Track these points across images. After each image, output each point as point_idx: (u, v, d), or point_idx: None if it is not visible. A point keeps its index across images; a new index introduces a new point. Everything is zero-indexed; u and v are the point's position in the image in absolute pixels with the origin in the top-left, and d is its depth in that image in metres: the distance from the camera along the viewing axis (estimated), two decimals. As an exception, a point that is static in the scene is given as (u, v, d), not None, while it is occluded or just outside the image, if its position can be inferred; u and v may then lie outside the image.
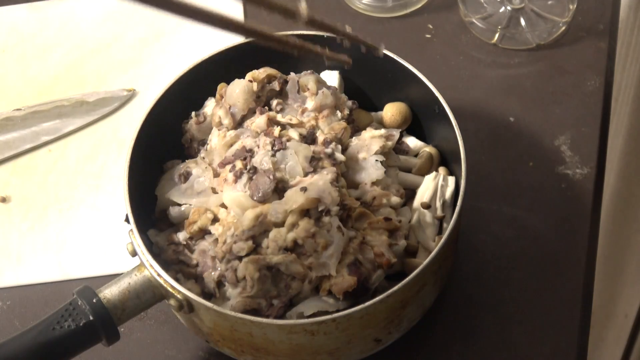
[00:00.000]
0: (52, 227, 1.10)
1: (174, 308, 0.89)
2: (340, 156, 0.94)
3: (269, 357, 0.91)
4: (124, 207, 0.92)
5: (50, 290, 1.05)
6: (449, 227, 0.89)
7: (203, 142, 1.01)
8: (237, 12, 1.27)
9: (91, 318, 0.86)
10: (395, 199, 0.94)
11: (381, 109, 1.05)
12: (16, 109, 1.20)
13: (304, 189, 0.90)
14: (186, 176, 0.97)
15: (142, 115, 0.98)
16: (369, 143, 0.97)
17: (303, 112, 0.99)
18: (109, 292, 0.88)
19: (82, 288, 0.88)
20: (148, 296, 0.89)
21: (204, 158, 0.98)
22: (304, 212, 0.90)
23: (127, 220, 0.91)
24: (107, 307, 0.87)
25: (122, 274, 0.90)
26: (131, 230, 0.90)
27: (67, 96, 1.21)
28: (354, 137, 0.98)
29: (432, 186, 0.97)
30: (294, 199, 0.90)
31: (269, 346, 0.89)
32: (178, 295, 0.87)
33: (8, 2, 1.33)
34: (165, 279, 0.88)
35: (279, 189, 0.92)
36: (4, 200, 1.13)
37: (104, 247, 1.08)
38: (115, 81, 1.23)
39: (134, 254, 0.91)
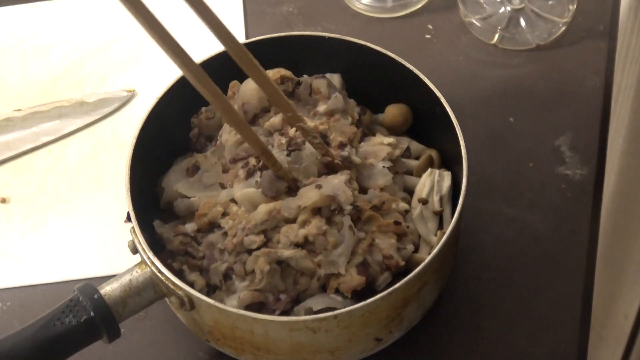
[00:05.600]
0: (52, 227, 1.10)
1: (174, 305, 0.89)
2: (356, 159, 0.95)
3: (269, 356, 0.91)
4: (125, 205, 0.92)
5: (50, 291, 1.05)
6: (449, 228, 0.89)
7: (210, 138, 1.01)
8: (237, 12, 1.27)
9: (92, 314, 0.86)
10: (403, 205, 0.95)
11: (382, 110, 1.06)
12: (16, 110, 1.20)
13: (319, 186, 0.90)
14: (194, 170, 0.98)
15: (143, 116, 0.98)
16: (377, 149, 0.97)
17: (314, 114, 0.99)
18: (110, 289, 0.88)
19: (84, 284, 0.88)
20: (149, 293, 0.89)
21: (213, 153, 0.99)
22: (316, 210, 0.90)
23: (128, 218, 0.91)
24: (108, 303, 0.87)
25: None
26: (132, 227, 0.90)
27: (67, 96, 1.21)
28: (362, 143, 0.99)
29: (428, 182, 0.98)
30: (308, 195, 0.90)
31: (270, 345, 0.89)
32: (179, 292, 0.87)
33: (8, 2, 1.33)
34: (167, 276, 0.88)
35: (291, 188, 0.92)
36: (4, 200, 1.13)
37: (104, 248, 1.08)
38: (115, 81, 1.23)
39: (135, 251, 0.91)
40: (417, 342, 0.98)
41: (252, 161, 0.94)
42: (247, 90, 0.99)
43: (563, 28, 1.21)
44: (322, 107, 1.00)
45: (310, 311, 0.89)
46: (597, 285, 1.03)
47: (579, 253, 1.04)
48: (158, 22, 0.76)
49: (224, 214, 0.94)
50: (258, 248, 0.90)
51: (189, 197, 0.97)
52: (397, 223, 0.93)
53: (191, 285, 0.90)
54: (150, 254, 0.88)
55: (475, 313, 1.01)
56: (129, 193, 0.93)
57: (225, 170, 0.97)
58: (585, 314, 1.00)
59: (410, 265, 0.92)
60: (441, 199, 0.97)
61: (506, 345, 0.99)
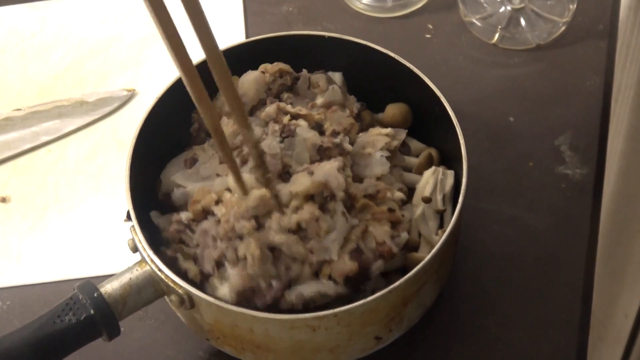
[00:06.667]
0: (52, 227, 1.10)
1: (174, 304, 0.89)
2: (348, 146, 0.95)
3: (269, 354, 0.91)
4: (124, 206, 0.92)
5: (50, 290, 1.05)
6: (449, 227, 0.89)
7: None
8: (237, 12, 1.27)
9: (92, 312, 0.86)
10: (398, 194, 0.95)
11: (382, 109, 1.06)
12: (16, 109, 1.20)
13: (311, 173, 0.90)
14: (192, 162, 0.98)
15: (143, 115, 0.98)
16: (375, 139, 0.97)
17: (312, 107, 1.00)
18: (110, 287, 0.88)
19: (83, 283, 0.88)
20: (149, 292, 0.89)
21: (211, 145, 0.99)
22: (309, 196, 0.90)
23: (128, 217, 0.91)
24: (108, 301, 0.87)
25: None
26: (132, 226, 0.90)
27: (67, 96, 1.21)
28: (360, 134, 0.99)
29: (431, 180, 0.98)
30: (300, 181, 0.90)
31: (270, 343, 0.89)
32: (179, 290, 0.87)
33: (8, 2, 1.33)
34: (167, 274, 0.88)
35: (284, 175, 0.92)
36: (4, 200, 1.13)
37: (104, 247, 1.08)
38: (115, 81, 1.23)
39: (135, 249, 0.91)
40: (417, 341, 0.98)
41: (246, 148, 0.94)
42: (245, 82, 0.99)
43: (563, 28, 1.21)
44: (320, 100, 1.00)
45: (300, 296, 0.88)
46: (597, 285, 1.03)
47: (579, 253, 1.04)
48: (167, 13, 0.76)
49: (218, 202, 0.93)
50: (250, 234, 0.90)
51: (185, 187, 0.97)
52: (391, 210, 0.92)
53: (184, 272, 0.90)
54: (150, 253, 0.88)
55: (475, 312, 1.01)
56: (129, 192, 0.93)
57: (222, 162, 0.96)
58: (585, 314, 1.00)
59: (410, 264, 0.92)
60: (444, 197, 0.97)
61: (506, 345, 0.99)
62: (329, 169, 0.91)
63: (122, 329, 0.89)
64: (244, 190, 0.90)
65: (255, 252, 0.88)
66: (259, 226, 0.90)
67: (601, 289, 1.03)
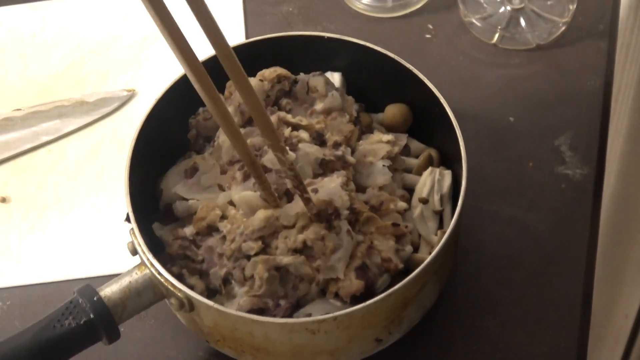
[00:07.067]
0: (52, 227, 1.10)
1: (174, 307, 0.89)
2: (350, 158, 0.95)
3: (269, 357, 0.91)
4: (124, 206, 0.92)
5: (50, 290, 1.05)
6: (450, 227, 0.89)
7: (209, 139, 1.01)
8: (237, 12, 1.27)
9: (92, 316, 0.86)
10: (402, 204, 0.95)
11: (382, 110, 1.05)
12: (16, 109, 1.20)
13: (315, 191, 0.90)
14: (192, 171, 0.98)
15: (143, 115, 0.98)
16: (376, 147, 0.97)
17: (311, 113, 0.99)
18: (110, 291, 0.88)
19: (83, 286, 0.88)
20: (149, 295, 0.89)
21: (211, 154, 0.99)
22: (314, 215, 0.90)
23: (127, 219, 0.91)
24: (107, 305, 0.87)
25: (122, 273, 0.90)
26: (132, 229, 0.90)
27: (67, 96, 1.21)
28: (361, 141, 0.99)
29: (429, 181, 0.98)
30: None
31: (270, 346, 0.89)
32: (178, 294, 0.87)
33: (8, 2, 1.33)
34: (166, 278, 0.88)
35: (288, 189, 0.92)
36: (4, 200, 1.13)
37: (104, 247, 1.08)
38: (115, 81, 1.23)
39: (134, 252, 0.91)
40: (418, 343, 0.98)
41: None
42: None
43: (563, 28, 1.21)
44: (319, 106, 1.00)
45: (309, 317, 0.88)
46: (597, 285, 1.03)
47: (579, 253, 1.04)
48: (168, 13, 0.76)
49: (223, 217, 0.93)
50: (256, 254, 0.90)
51: (187, 200, 0.97)
52: (395, 225, 0.92)
53: (191, 288, 0.89)
54: (150, 256, 0.88)
55: (475, 313, 1.01)
56: (128, 194, 0.92)
57: (223, 172, 0.96)
58: (585, 314, 1.00)
59: (410, 265, 0.92)
60: (442, 198, 0.97)
61: (506, 345, 0.99)
62: (333, 187, 0.91)
63: (122, 329, 0.89)
64: (276, 203, 0.90)
65: (264, 274, 0.88)
66: (266, 246, 0.90)
67: (601, 289, 1.02)
